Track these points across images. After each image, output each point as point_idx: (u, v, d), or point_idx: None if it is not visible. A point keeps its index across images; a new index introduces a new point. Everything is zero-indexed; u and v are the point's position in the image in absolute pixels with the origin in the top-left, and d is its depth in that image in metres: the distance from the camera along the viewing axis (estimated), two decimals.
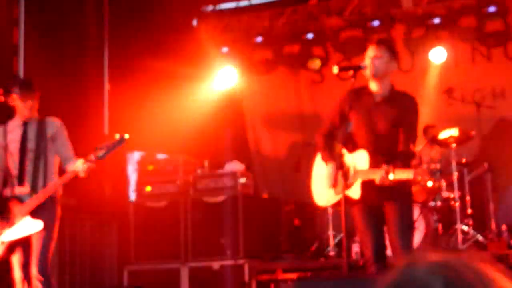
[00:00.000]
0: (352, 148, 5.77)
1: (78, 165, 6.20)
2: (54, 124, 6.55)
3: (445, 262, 1.25)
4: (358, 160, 5.71)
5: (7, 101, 6.50)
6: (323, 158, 5.97)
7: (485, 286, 1.20)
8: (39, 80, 6.88)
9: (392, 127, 5.70)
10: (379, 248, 5.71)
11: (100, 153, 6.21)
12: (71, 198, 7.63)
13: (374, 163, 5.57)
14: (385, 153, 5.61)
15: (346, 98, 5.90)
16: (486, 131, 10.14)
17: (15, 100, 6.45)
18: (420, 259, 1.29)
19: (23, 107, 6.46)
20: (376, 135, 5.74)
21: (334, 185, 5.76)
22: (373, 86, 5.85)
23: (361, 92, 5.90)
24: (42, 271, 6.17)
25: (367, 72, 5.78)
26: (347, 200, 5.67)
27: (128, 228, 9.59)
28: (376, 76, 5.78)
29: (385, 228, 5.80)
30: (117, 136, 6.31)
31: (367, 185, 5.58)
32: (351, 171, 5.71)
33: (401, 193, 5.63)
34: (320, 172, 6.03)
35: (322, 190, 6.00)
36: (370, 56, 5.78)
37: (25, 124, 6.51)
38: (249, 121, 12.50)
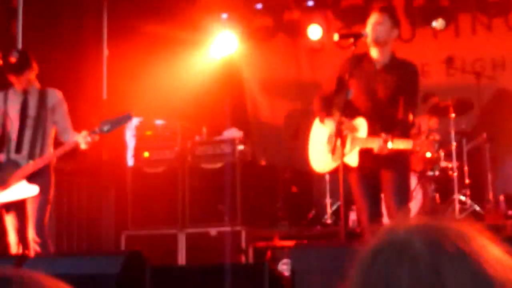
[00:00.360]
0: (351, 115, 5.78)
1: (81, 137, 6.23)
2: (55, 95, 6.59)
3: (426, 224, 1.23)
4: (357, 127, 5.73)
5: (6, 72, 6.52)
6: (321, 119, 5.99)
7: (466, 243, 1.18)
8: (37, 45, 6.88)
9: (392, 94, 5.71)
10: (375, 215, 5.75)
11: (105, 127, 6.25)
12: (69, 163, 7.63)
13: (373, 131, 5.59)
14: (384, 121, 5.63)
15: (346, 64, 5.90)
16: (485, 102, 10.14)
17: (13, 77, 6.48)
18: (400, 223, 1.27)
19: (20, 81, 6.48)
20: (375, 103, 5.75)
21: (333, 151, 5.77)
22: (374, 53, 5.85)
23: (362, 58, 5.90)
24: (39, 233, 6.23)
25: (369, 38, 5.78)
26: (344, 167, 5.69)
27: (126, 193, 9.61)
28: (377, 42, 5.79)
29: (382, 196, 5.84)
30: (124, 112, 6.35)
31: (364, 153, 5.61)
32: (350, 139, 5.72)
33: (398, 161, 5.66)
34: (318, 138, 6.05)
35: (320, 156, 6.02)
36: (372, 23, 5.78)
37: (26, 92, 6.53)
38: (247, 88, 12.49)
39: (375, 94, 5.76)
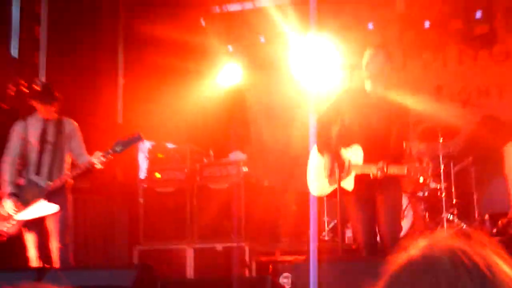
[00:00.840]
0: (347, 143, 5.77)
1: (96, 158, 6.26)
2: (71, 125, 6.68)
3: (460, 245, 1.28)
4: (352, 154, 5.71)
5: (30, 101, 6.57)
6: (319, 150, 5.97)
7: (485, 264, 1.24)
8: (58, 74, 6.91)
9: (385, 124, 5.70)
10: (370, 235, 5.74)
11: (118, 148, 6.28)
12: (86, 182, 7.62)
13: (368, 158, 5.58)
14: (379, 148, 5.61)
15: (342, 96, 5.90)
16: (471, 127, 10.14)
17: (37, 104, 6.51)
18: (437, 241, 1.31)
19: (44, 110, 6.52)
20: (370, 132, 5.74)
21: (330, 175, 5.76)
22: (368, 86, 5.85)
23: (356, 91, 5.90)
24: (62, 242, 6.28)
25: (364, 71, 5.79)
26: (341, 190, 5.68)
27: (138, 211, 9.60)
28: (372, 76, 5.79)
29: (376, 217, 5.81)
30: (134, 134, 6.38)
31: (360, 179, 5.60)
32: (346, 165, 5.71)
33: (391, 186, 5.65)
34: (316, 164, 6.03)
35: (317, 181, 6.00)
36: (368, 57, 5.79)
37: (45, 120, 6.57)
38: (251, 115, 12.50)
39: (370, 124, 5.75)
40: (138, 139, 6.51)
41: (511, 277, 1.24)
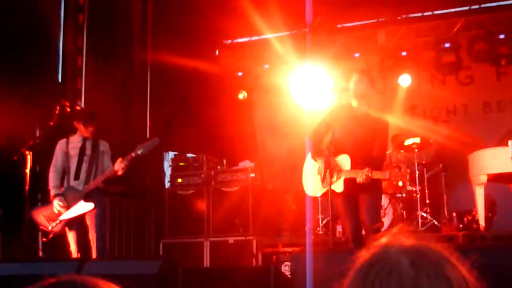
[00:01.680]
0: (337, 152, 5.78)
1: (117, 164, 6.28)
2: (105, 145, 6.75)
3: (412, 246, 1.23)
4: (341, 162, 5.71)
5: (72, 121, 6.62)
6: (313, 156, 5.98)
7: (441, 265, 1.19)
8: (96, 96, 6.94)
9: (368, 136, 5.71)
10: (356, 229, 5.73)
11: (139, 151, 6.29)
12: (120, 186, 7.65)
13: (355, 165, 5.58)
14: (364, 157, 5.61)
15: (332, 112, 5.90)
16: (441, 140, 10.12)
17: (78, 124, 6.56)
18: (394, 242, 1.26)
19: (84, 129, 6.56)
20: (356, 143, 5.74)
21: (323, 180, 5.76)
22: (354, 103, 5.85)
23: (345, 108, 5.90)
24: (99, 234, 6.30)
25: (351, 93, 5.79)
26: (331, 192, 5.68)
27: (164, 210, 9.61)
28: (357, 96, 5.79)
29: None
30: (151, 138, 6.40)
31: (348, 182, 5.60)
32: (336, 170, 5.71)
33: (372, 187, 5.65)
34: (310, 169, 6.03)
35: (312, 183, 6.00)
36: (354, 81, 5.80)
37: (84, 138, 6.61)
38: (258, 129, 12.50)
39: (356, 136, 5.75)
40: (155, 142, 6.47)
41: (464, 276, 1.19)
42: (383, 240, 1.28)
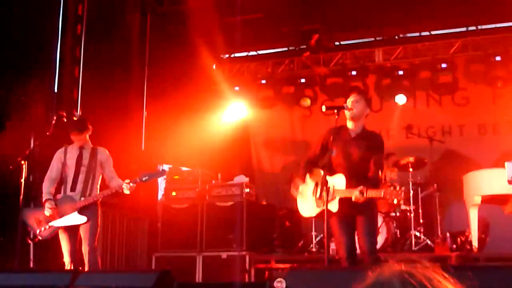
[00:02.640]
0: (332, 172, 5.81)
1: (125, 184, 6.30)
2: (104, 153, 6.70)
3: (406, 269, 1.37)
4: (337, 181, 5.74)
5: (68, 131, 6.63)
6: (300, 178, 6.00)
7: (431, 283, 1.34)
8: (93, 108, 6.96)
9: (363, 156, 5.74)
10: (351, 249, 5.73)
11: (144, 178, 6.33)
12: (114, 199, 7.66)
13: (350, 184, 5.61)
14: (358, 176, 5.65)
15: (328, 134, 5.94)
16: (436, 159, 10.19)
17: (74, 135, 6.57)
18: (387, 267, 1.39)
19: (78, 138, 6.57)
20: (351, 163, 5.77)
21: (319, 198, 5.79)
22: (350, 125, 5.90)
23: (340, 129, 5.94)
24: (91, 248, 6.28)
25: (347, 114, 5.84)
26: (327, 211, 5.71)
27: (157, 223, 9.61)
28: (354, 118, 5.84)
29: (356, 234, 5.83)
30: (160, 168, 6.42)
31: (343, 201, 5.62)
32: (331, 190, 5.73)
33: (369, 208, 5.67)
34: (304, 192, 6.05)
35: (306, 204, 6.02)
36: (351, 101, 5.85)
37: (81, 148, 6.62)
38: (253, 144, 12.55)
39: (351, 156, 5.79)
40: (162, 173, 6.59)
41: None
42: (385, 266, 1.41)
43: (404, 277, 1.33)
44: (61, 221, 6.36)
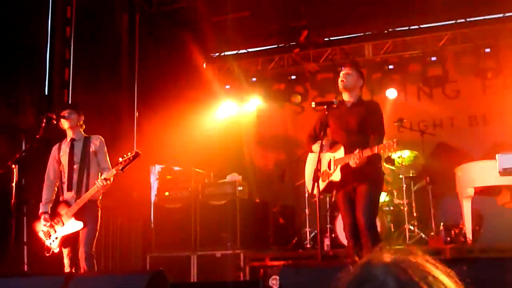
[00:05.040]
0: (333, 145, 5.82)
1: (97, 182, 6.13)
2: (97, 141, 6.49)
3: (397, 263, 1.25)
4: (336, 152, 5.75)
5: (59, 125, 6.50)
6: (308, 149, 6.02)
7: (429, 285, 1.21)
8: (84, 108, 6.88)
9: (360, 124, 5.73)
10: (353, 228, 5.68)
11: (121, 166, 6.11)
12: (106, 200, 7.61)
13: (348, 152, 5.59)
14: (356, 143, 5.60)
15: (325, 111, 5.91)
16: (428, 153, 10.19)
17: (64, 123, 6.45)
18: (376, 259, 1.28)
19: (71, 127, 6.44)
20: (349, 131, 5.77)
21: (321, 174, 5.78)
22: (345, 96, 5.92)
23: (337, 104, 5.93)
24: (87, 253, 6.16)
25: (340, 85, 5.86)
26: (331, 183, 5.71)
27: (150, 224, 9.58)
28: (346, 88, 5.85)
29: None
30: (134, 152, 6.19)
31: (344, 169, 5.61)
32: (332, 162, 5.76)
33: (370, 176, 5.62)
34: (310, 166, 6.04)
35: (311, 180, 5.98)
36: (343, 73, 5.86)
37: (73, 141, 6.49)
38: (245, 142, 12.53)
39: (348, 124, 5.78)
40: (136, 156, 6.20)
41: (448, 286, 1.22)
42: (369, 256, 1.30)
43: (399, 274, 1.23)
44: (62, 230, 6.29)
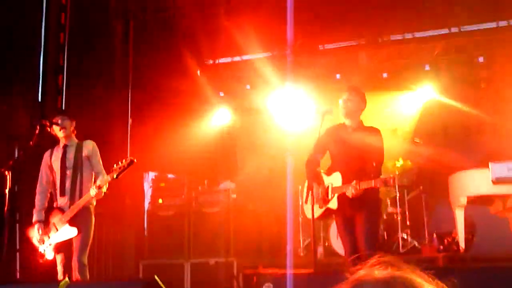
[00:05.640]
0: (330, 172, 5.83)
1: (91, 190, 6.11)
2: (90, 146, 6.49)
3: (388, 280, 1.23)
4: (334, 180, 5.75)
5: (52, 131, 6.50)
6: (308, 181, 5.99)
7: None
8: (77, 115, 6.89)
9: (360, 152, 5.72)
10: (353, 248, 5.69)
11: (115, 174, 6.08)
12: (99, 207, 7.60)
13: (346, 181, 5.60)
14: (354, 172, 5.61)
15: (326, 133, 5.93)
16: (421, 162, 10.21)
17: (56, 130, 6.45)
18: (368, 276, 1.26)
19: (63, 133, 6.45)
20: (347, 159, 5.76)
21: (317, 201, 5.79)
22: (346, 121, 5.90)
23: (338, 126, 5.95)
24: (80, 262, 6.13)
25: (340, 112, 5.85)
26: (328, 210, 5.73)
27: (143, 231, 9.57)
28: (347, 115, 5.85)
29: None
30: (128, 159, 6.15)
31: (342, 198, 5.62)
32: (329, 189, 5.76)
33: (368, 204, 5.63)
34: (305, 193, 6.07)
35: (308, 206, 6.01)
36: (343, 99, 5.85)
37: (65, 146, 6.50)
38: (238, 150, 12.53)
39: (348, 152, 5.78)
40: (130, 163, 6.18)
41: None
42: (360, 273, 1.29)
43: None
44: (56, 237, 6.27)
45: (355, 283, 1.25)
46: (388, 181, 5.35)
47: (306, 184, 6.11)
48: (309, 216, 5.94)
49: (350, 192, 5.45)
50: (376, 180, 5.37)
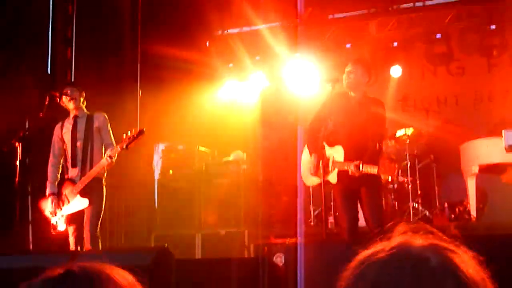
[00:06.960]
0: (332, 142, 5.78)
1: (103, 159, 6.11)
2: (100, 117, 6.49)
3: (432, 246, 1.17)
4: (335, 153, 5.72)
5: (61, 103, 6.49)
6: (309, 150, 5.97)
7: (458, 266, 1.14)
8: (87, 87, 6.87)
9: (364, 128, 5.68)
10: (353, 221, 5.70)
11: (125, 144, 6.07)
12: (110, 178, 7.61)
13: (348, 156, 5.57)
14: (357, 149, 5.58)
15: (329, 102, 5.88)
16: (432, 130, 10.16)
17: (66, 101, 6.44)
18: (410, 242, 1.19)
19: (73, 104, 6.43)
20: (351, 134, 5.72)
21: (315, 172, 5.77)
22: (350, 92, 5.86)
23: (342, 96, 5.90)
24: (92, 233, 6.16)
25: (344, 83, 5.81)
26: (327, 183, 5.69)
27: (155, 202, 9.59)
28: (350, 87, 5.80)
29: (359, 206, 5.78)
30: (138, 129, 6.13)
31: (342, 174, 5.59)
32: (330, 162, 5.72)
33: (371, 179, 5.60)
34: (307, 160, 6.03)
35: (308, 174, 6.00)
36: (346, 71, 5.81)
37: (76, 118, 6.48)
38: (249, 120, 12.47)
39: (351, 126, 5.74)
40: (141, 133, 6.16)
41: (479, 274, 1.15)
42: (396, 240, 1.22)
43: (440, 257, 1.13)
44: (67, 208, 6.29)
45: (401, 245, 1.18)
46: (392, 172, 5.32)
47: (306, 150, 6.07)
48: (307, 183, 5.94)
49: (351, 172, 5.42)
50: (379, 169, 5.33)
